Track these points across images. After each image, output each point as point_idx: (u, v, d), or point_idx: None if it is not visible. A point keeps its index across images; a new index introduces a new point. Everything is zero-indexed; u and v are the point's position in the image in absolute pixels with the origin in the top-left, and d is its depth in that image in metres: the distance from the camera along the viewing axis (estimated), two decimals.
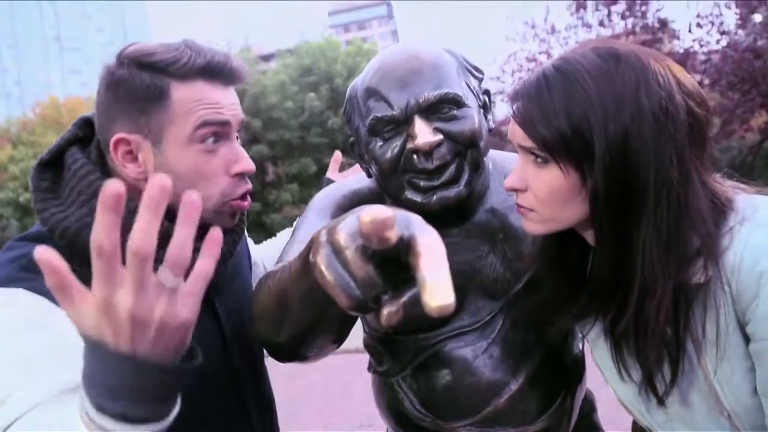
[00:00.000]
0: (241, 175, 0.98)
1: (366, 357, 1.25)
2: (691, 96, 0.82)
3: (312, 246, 0.62)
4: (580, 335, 1.22)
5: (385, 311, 0.56)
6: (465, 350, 1.10)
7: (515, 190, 0.91)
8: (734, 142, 14.12)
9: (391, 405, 1.18)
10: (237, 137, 1.01)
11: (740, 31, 12.21)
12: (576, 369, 1.19)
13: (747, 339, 0.80)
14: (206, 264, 0.60)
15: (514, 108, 0.87)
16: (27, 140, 28.82)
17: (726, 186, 0.86)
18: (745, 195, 0.85)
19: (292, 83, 24.19)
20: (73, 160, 0.93)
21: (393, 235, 0.52)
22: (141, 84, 0.90)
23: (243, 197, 0.99)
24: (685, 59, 12.45)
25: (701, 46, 12.72)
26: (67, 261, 0.83)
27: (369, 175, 1.13)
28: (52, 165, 0.97)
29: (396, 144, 1.01)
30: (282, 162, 23.74)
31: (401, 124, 1.01)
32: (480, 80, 1.11)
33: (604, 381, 1.04)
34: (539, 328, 1.11)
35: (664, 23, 12.97)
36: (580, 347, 1.22)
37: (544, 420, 1.10)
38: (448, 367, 1.10)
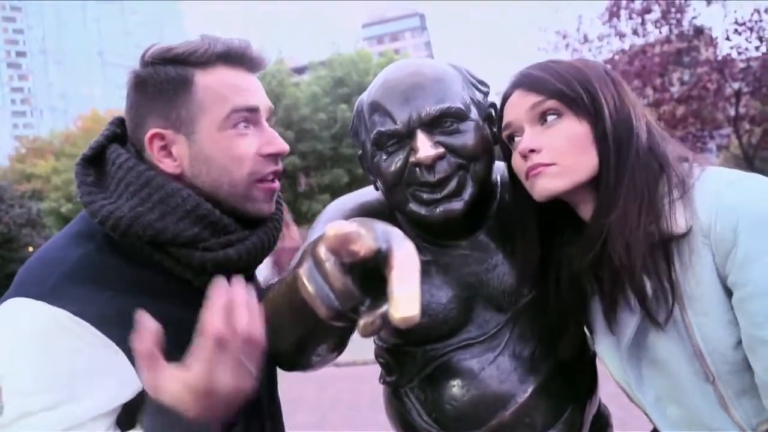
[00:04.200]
0: (272, 156, 0.97)
1: None
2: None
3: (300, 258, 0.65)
4: (591, 350, 1.21)
5: (362, 322, 0.58)
6: (471, 362, 1.10)
7: (531, 151, 0.96)
8: None
9: (399, 415, 1.19)
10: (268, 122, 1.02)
11: None
12: (586, 383, 1.18)
13: (727, 292, 0.88)
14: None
15: (520, 85, 1.00)
16: (69, 152, 29.80)
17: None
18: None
19: (325, 95, 24.46)
20: (117, 155, 0.93)
21: (359, 248, 0.54)
22: (166, 77, 0.92)
23: (273, 179, 0.99)
24: (722, 67, 12.16)
25: (739, 53, 12.38)
26: (116, 255, 0.88)
27: (376, 188, 1.15)
28: (94, 161, 0.97)
29: (399, 157, 1.03)
30: (314, 173, 23.96)
31: (404, 138, 1.02)
32: (485, 94, 1.12)
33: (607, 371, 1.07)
34: (549, 339, 1.11)
35: (700, 30, 12.66)
36: (592, 360, 1.21)
37: None
38: (455, 379, 1.11)
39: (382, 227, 0.59)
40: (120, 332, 0.80)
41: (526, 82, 0.99)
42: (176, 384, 0.65)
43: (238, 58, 0.96)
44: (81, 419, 0.77)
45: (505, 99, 1.03)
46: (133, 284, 0.87)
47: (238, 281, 0.64)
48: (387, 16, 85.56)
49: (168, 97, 0.92)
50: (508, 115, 1.00)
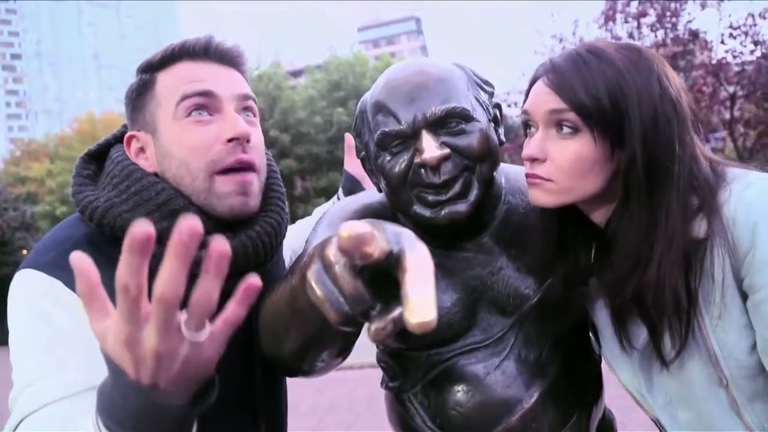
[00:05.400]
0: (235, 143, 0.94)
1: None
2: (686, 93, 0.95)
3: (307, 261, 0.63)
4: (596, 354, 1.19)
5: (373, 327, 0.56)
6: (477, 366, 1.08)
7: (534, 159, 0.92)
8: None
9: (402, 421, 1.17)
10: (252, 114, 1.01)
11: None
12: (592, 387, 1.16)
13: (743, 295, 0.85)
14: (238, 311, 0.58)
15: (548, 77, 0.92)
16: (64, 155, 29.68)
17: (718, 159, 0.96)
18: (732, 168, 0.93)
19: (321, 98, 24.48)
20: (116, 152, 0.99)
21: (372, 250, 0.52)
22: (135, 85, 0.99)
23: (240, 168, 0.94)
24: (717, 70, 12.23)
25: (734, 57, 12.46)
26: (97, 242, 0.88)
27: (380, 190, 1.13)
28: (97, 158, 1.02)
29: (404, 158, 1.01)
30: (310, 176, 23.98)
31: (409, 139, 1.01)
32: (491, 94, 1.11)
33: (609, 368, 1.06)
34: (553, 330, 1.10)
35: (695, 34, 12.74)
36: (597, 364, 1.20)
37: None
38: (460, 384, 1.09)
39: (393, 228, 0.57)
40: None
41: (556, 77, 0.91)
42: (112, 335, 0.57)
43: (200, 51, 0.96)
44: (79, 387, 0.78)
45: (535, 78, 0.97)
46: (112, 262, 0.86)
47: (188, 226, 0.53)
48: (383, 20, 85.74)
49: (136, 103, 0.99)
50: (528, 103, 0.95)
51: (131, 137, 0.99)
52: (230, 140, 0.92)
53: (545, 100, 0.92)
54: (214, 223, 0.93)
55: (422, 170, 1.00)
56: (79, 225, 0.94)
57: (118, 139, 1.03)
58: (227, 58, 0.99)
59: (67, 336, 0.82)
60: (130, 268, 0.53)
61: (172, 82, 0.95)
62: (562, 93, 0.89)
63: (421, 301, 0.50)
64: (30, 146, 36.77)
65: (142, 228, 0.51)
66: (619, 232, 0.92)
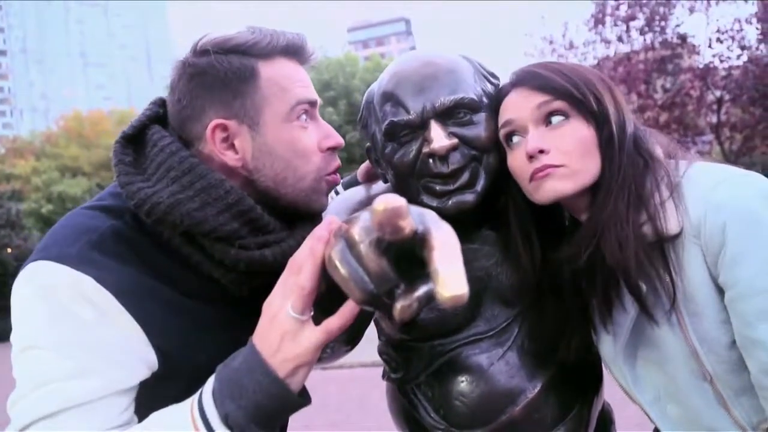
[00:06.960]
0: (331, 151, 0.98)
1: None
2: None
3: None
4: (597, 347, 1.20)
5: (399, 305, 0.56)
6: (480, 357, 1.09)
7: (541, 152, 0.93)
8: (756, 158, 13.94)
9: (405, 412, 1.17)
10: None
11: (762, 46, 12.12)
12: (592, 379, 1.17)
13: (720, 292, 0.88)
14: (335, 324, 0.72)
15: (521, 83, 0.98)
16: (50, 152, 29.32)
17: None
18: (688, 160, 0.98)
19: None
20: (160, 137, 0.89)
21: (406, 224, 0.52)
22: (230, 67, 0.89)
23: (334, 172, 0.99)
24: (705, 74, 12.37)
25: (721, 61, 12.61)
26: (127, 237, 0.85)
27: (385, 181, 1.14)
28: (133, 141, 0.93)
29: (412, 148, 1.02)
30: None
31: (417, 129, 1.01)
32: (496, 86, 1.11)
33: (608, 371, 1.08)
34: (553, 340, 1.10)
35: (683, 38, 12.88)
36: (598, 357, 1.20)
37: (559, 429, 1.08)
38: (463, 374, 1.09)
39: (416, 209, 0.58)
40: (139, 306, 0.80)
41: (531, 80, 0.97)
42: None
43: (296, 50, 0.95)
44: (98, 394, 0.75)
45: (503, 95, 1.01)
46: (156, 269, 0.85)
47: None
48: (373, 21, 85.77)
49: (232, 87, 0.89)
50: (509, 113, 0.99)
51: (218, 126, 0.89)
52: (329, 148, 0.97)
53: (528, 100, 0.96)
54: (276, 220, 0.93)
55: (430, 160, 1.00)
56: (99, 216, 0.87)
57: (152, 120, 0.94)
58: (309, 60, 0.99)
59: (90, 338, 0.77)
60: (309, 249, 0.70)
61: (279, 80, 0.91)
62: (544, 88, 0.95)
63: (453, 276, 0.50)
64: (15, 143, 36.30)
65: (332, 222, 0.70)
66: (594, 198, 0.96)
